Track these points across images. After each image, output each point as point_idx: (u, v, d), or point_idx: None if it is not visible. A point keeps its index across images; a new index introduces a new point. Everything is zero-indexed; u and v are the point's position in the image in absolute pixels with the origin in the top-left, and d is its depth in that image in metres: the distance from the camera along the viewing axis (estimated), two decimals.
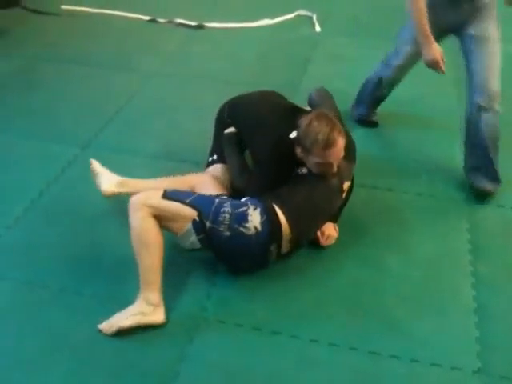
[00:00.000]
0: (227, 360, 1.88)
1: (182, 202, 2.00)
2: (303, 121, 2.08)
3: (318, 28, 4.06)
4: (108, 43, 3.90)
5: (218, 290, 2.09)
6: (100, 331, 1.92)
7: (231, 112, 2.46)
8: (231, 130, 2.40)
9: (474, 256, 2.25)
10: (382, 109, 3.15)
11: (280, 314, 2.02)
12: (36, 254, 2.26)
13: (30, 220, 2.42)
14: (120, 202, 2.32)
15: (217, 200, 2.03)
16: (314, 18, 4.17)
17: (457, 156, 2.81)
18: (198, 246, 2.02)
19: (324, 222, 2.20)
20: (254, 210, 1.99)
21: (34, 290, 2.11)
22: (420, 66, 3.60)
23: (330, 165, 2.07)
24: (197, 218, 1.97)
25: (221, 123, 2.48)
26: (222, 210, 1.98)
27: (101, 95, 3.33)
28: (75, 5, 4.33)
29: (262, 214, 1.99)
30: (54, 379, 1.81)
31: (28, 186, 2.59)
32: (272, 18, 4.17)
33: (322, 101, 2.42)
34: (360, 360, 1.87)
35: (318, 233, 2.21)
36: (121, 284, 2.11)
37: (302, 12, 4.26)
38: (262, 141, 2.20)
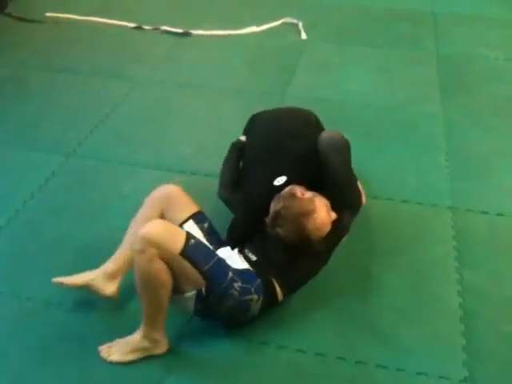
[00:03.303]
0: (214, 371, 1.86)
1: (198, 267, 1.78)
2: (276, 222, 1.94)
3: (303, 35, 4.06)
4: (93, 51, 3.87)
5: None
6: (99, 351, 1.86)
7: (247, 128, 2.41)
8: (243, 138, 2.37)
9: (459, 263, 2.25)
10: (365, 116, 3.16)
11: (267, 325, 2.00)
12: (19, 265, 2.23)
13: (13, 230, 2.39)
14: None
15: (230, 275, 1.83)
16: (300, 25, 4.17)
17: (442, 162, 2.82)
18: (191, 314, 1.90)
19: None
20: (257, 300, 1.88)
21: (17, 302, 2.08)
22: (402, 71, 3.65)
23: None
24: (203, 291, 1.80)
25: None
26: (230, 292, 1.82)
27: (86, 103, 3.30)
28: (60, 12, 4.30)
29: (262, 302, 1.90)
30: None
31: (11, 196, 2.57)
32: (258, 25, 4.16)
33: (333, 154, 2.11)
34: (347, 370, 1.86)
35: None
36: None
37: (288, 19, 4.26)
38: (252, 183, 2.16)
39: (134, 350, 1.85)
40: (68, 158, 2.83)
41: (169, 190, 2.09)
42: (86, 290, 1.99)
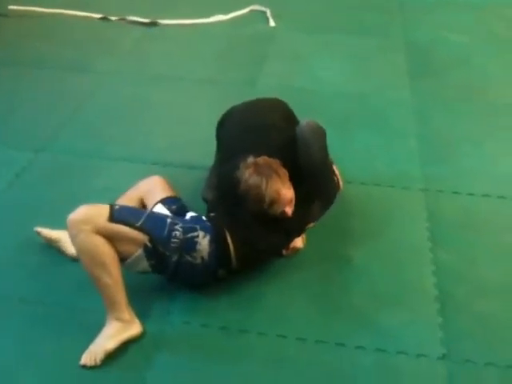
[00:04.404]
0: (195, 362, 1.86)
1: (132, 225, 1.86)
2: (239, 181, 2.00)
3: (272, 23, 4.07)
4: (60, 43, 3.81)
5: (183, 292, 2.07)
6: (83, 366, 1.78)
7: (219, 124, 2.42)
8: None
9: (433, 243, 2.29)
10: (336, 104, 3.17)
11: (246, 312, 2.02)
12: None
13: None
14: None
15: (168, 221, 1.94)
16: (268, 13, 4.17)
17: (412, 146, 2.86)
18: (150, 270, 1.94)
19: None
20: (204, 237, 1.94)
21: None
22: (371, 59, 3.68)
23: (283, 212, 2.03)
24: (148, 244, 1.87)
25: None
26: (173, 234, 1.90)
27: (55, 97, 3.25)
28: (23, 5, 4.20)
29: (210, 243, 1.94)
30: None
31: None
32: (225, 13, 4.15)
33: (311, 140, 2.14)
34: (327, 352, 1.89)
35: None
36: (84, 291, 2.04)
37: (256, 7, 4.25)
38: (224, 173, 2.17)
39: (110, 337, 1.83)
40: (38, 153, 2.78)
41: (151, 180, 2.23)
42: (54, 245, 2.15)
